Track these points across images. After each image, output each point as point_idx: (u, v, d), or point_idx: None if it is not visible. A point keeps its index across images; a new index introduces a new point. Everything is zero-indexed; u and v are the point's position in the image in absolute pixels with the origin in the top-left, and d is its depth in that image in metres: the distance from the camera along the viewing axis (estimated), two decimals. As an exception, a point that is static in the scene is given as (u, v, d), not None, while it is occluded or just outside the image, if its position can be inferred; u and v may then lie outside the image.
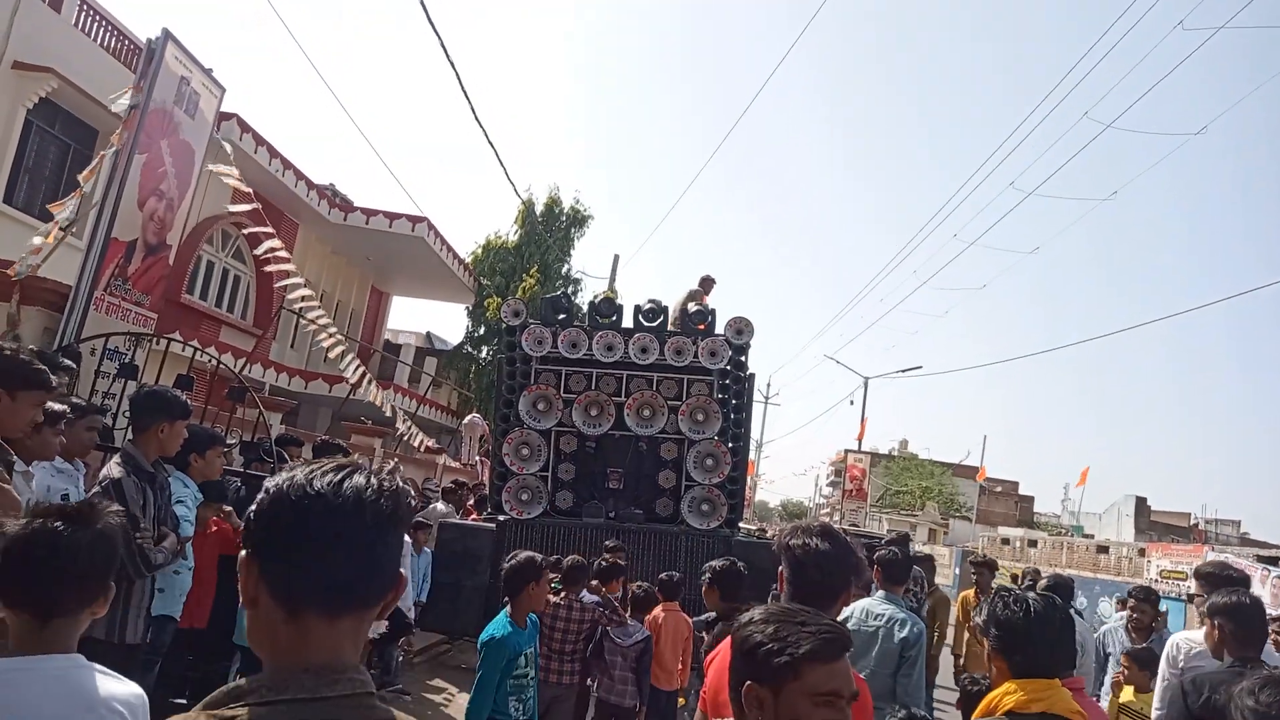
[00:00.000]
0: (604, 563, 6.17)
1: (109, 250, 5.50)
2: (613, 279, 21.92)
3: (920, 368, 45.56)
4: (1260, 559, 14.56)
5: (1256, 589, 13.55)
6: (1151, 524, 36.35)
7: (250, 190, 6.90)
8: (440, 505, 9.42)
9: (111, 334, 5.35)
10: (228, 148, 6.78)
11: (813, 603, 2.07)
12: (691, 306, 10.02)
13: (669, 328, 9.68)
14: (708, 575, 4.78)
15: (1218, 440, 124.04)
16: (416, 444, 13.86)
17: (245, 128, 14.72)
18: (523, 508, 8.92)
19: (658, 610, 5.86)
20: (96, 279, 5.42)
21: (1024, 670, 2.11)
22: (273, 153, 15.78)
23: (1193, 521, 41.31)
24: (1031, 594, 2.21)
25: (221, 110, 7.14)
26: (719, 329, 9.61)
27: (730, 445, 9.23)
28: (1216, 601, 3.21)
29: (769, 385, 43.76)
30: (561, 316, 9.72)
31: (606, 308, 9.88)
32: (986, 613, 2.26)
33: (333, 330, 9.95)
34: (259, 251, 7.60)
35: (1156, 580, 15.87)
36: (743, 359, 9.53)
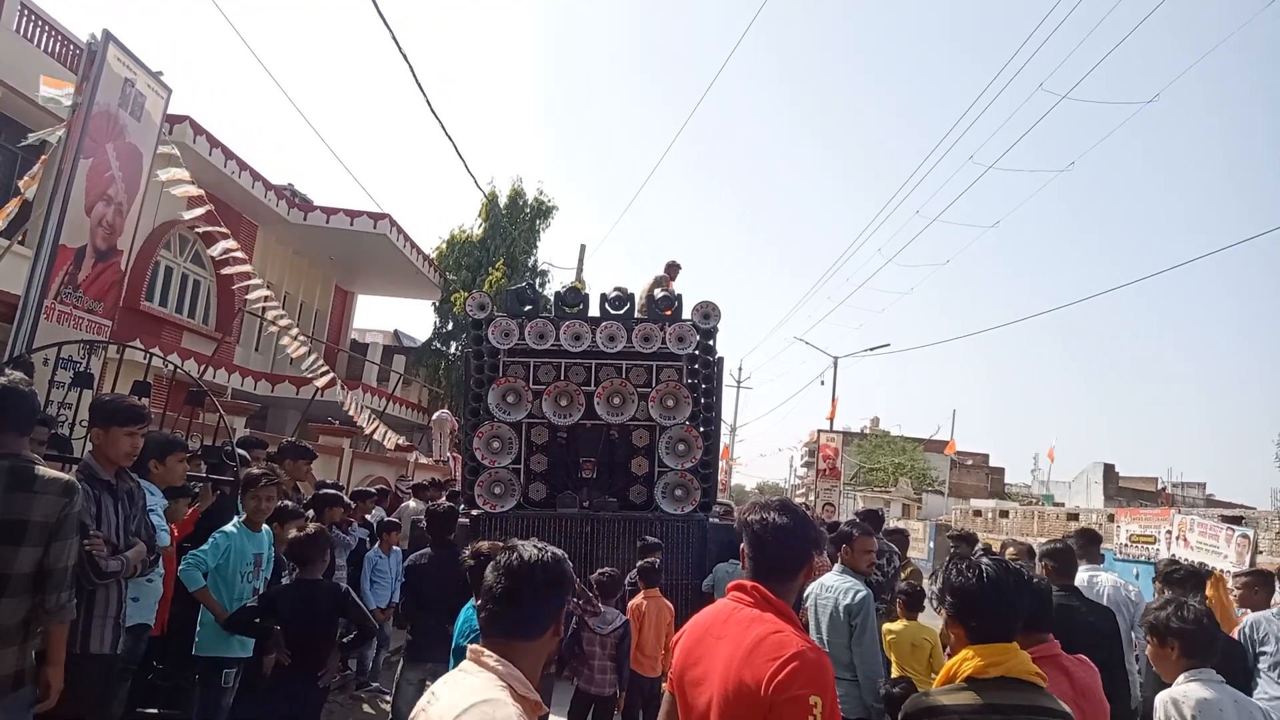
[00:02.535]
0: (649, 564, 6.13)
1: (57, 257, 5.37)
2: (580, 269, 21.86)
3: (888, 345, 46.04)
4: (1224, 519, 14.91)
5: (1222, 547, 13.91)
6: (1120, 490, 37.06)
7: (203, 193, 6.77)
8: (412, 503, 9.36)
9: (64, 343, 5.24)
10: (176, 152, 6.65)
11: (773, 577, 2.09)
12: (658, 293, 10.04)
13: (636, 315, 9.69)
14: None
15: (1182, 405, 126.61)
16: (386, 442, 13.76)
17: (199, 130, 14.48)
18: (496, 501, 8.90)
19: (639, 598, 5.89)
20: (46, 287, 5.30)
21: (981, 635, 2.14)
22: (228, 154, 15.54)
23: (1160, 486, 42.13)
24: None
25: (174, 113, 7.02)
26: (686, 314, 9.64)
27: (701, 430, 9.27)
28: None
29: (740, 369, 44.01)
30: (528, 308, 9.69)
31: (572, 297, 9.87)
32: (941, 580, 2.30)
33: (294, 331, 9.83)
34: (215, 253, 7.47)
35: (1126, 544, 16.21)
36: (711, 343, 9.56)
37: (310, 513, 5.77)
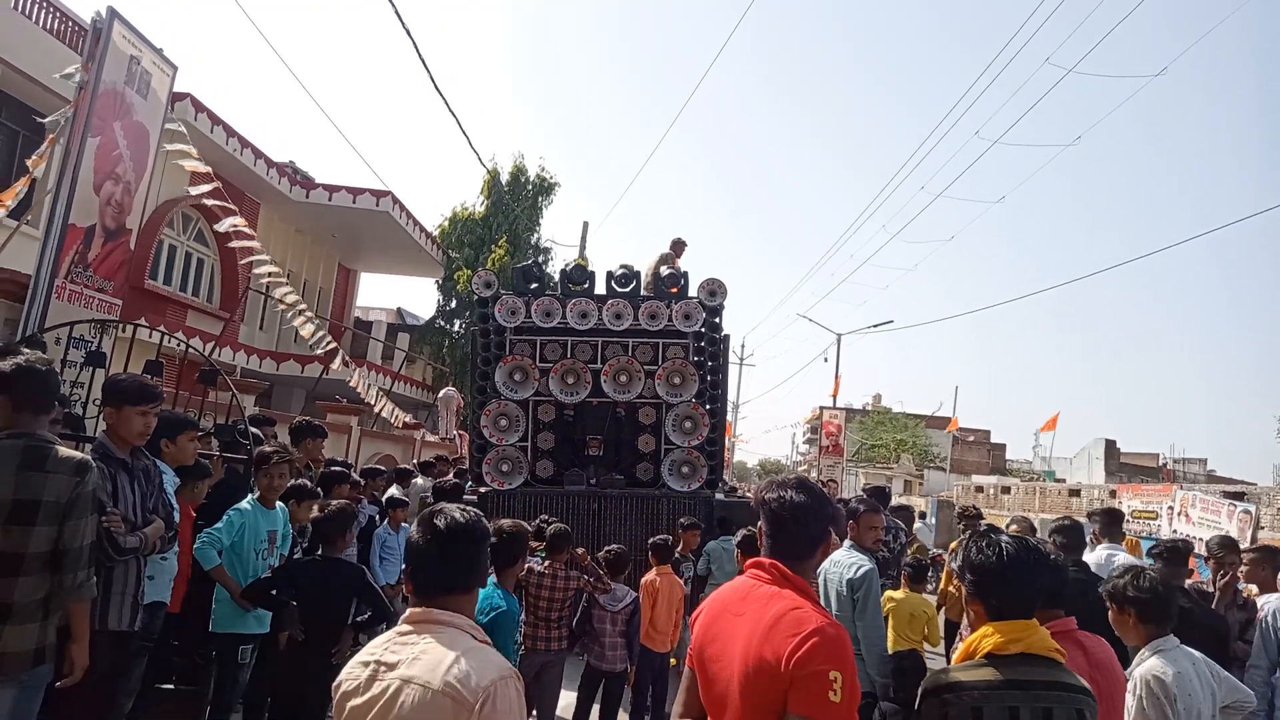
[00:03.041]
0: (662, 540, 6.16)
1: (67, 237, 5.37)
2: (583, 246, 21.79)
3: (891, 322, 46.03)
4: (1226, 495, 14.95)
5: (1223, 523, 13.95)
6: (1121, 466, 37.14)
7: (209, 169, 6.74)
8: (420, 479, 9.39)
9: (76, 322, 5.24)
10: (183, 128, 6.61)
11: (791, 555, 2.10)
12: (663, 270, 10.01)
13: (642, 292, 9.68)
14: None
15: (1184, 382, 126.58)
16: (394, 420, 13.80)
17: (200, 107, 14.40)
18: (503, 479, 8.94)
19: (652, 574, 5.92)
20: (56, 267, 5.30)
21: (1001, 612, 2.15)
22: (230, 132, 15.46)
23: (1161, 461, 42.23)
24: (1004, 536, 2.25)
25: (175, 90, 6.96)
26: (692, 291, 9.62)
27: (708, 407, 9.29)
28: None
29: (743, 346, 44.03)
30: (534, 286, 9.69)
31: (579, 275, 9.86)
32: (961, 557, 2.31)
33: (302, 306, 9.83)
34: (221, 228, 7.44)
35: (1128, 520, 16.27)
36: (717, 320, 9.55)
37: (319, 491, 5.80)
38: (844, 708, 1.87)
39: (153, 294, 14.83)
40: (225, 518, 4.52)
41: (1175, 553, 5.15)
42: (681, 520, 6.64)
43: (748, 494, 14.99)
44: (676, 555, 6.05)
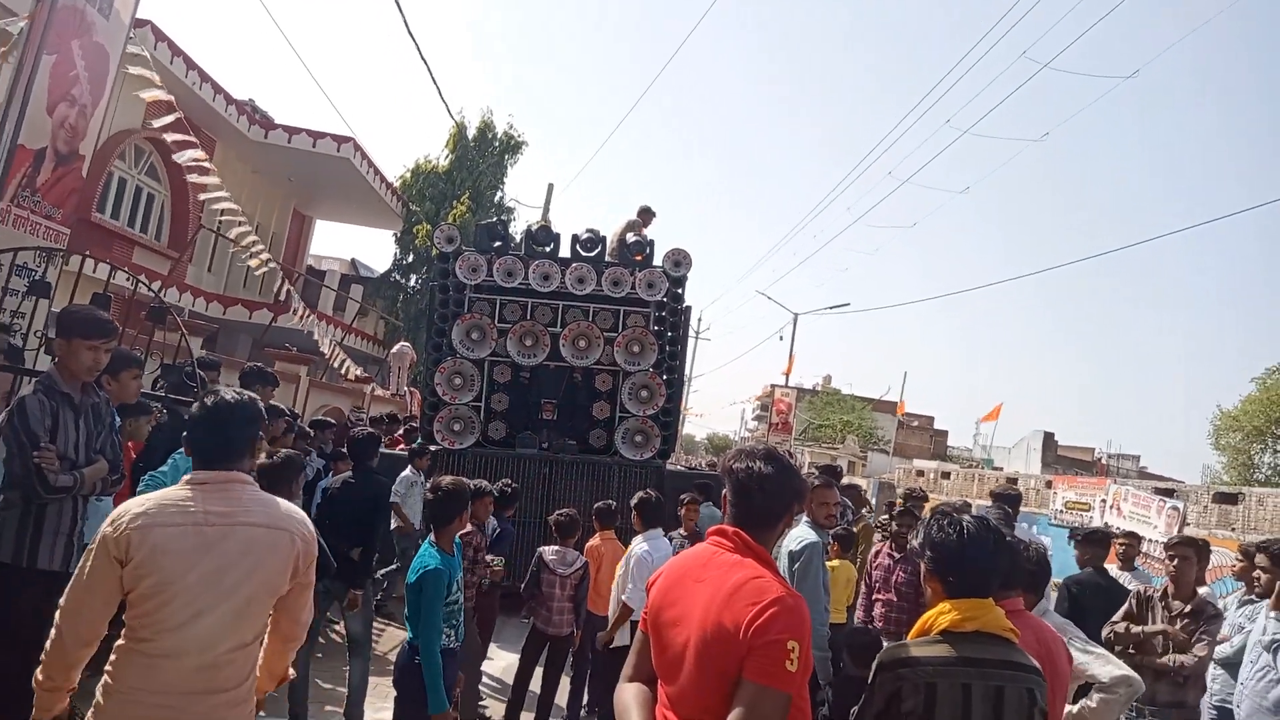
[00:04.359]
0: (605, 505, 6.13)
1: (15, 158, 5.09)
2: (546, 209, 21.54)
3: (848, 304, 46.48)
4: (1157, 491, 15.47)
5: (1153, 518, 14.46)
6: (1058, 458, 38.24)
7: (173, 98, 6.45)
8: (408, 472, 8.98)
9: (21, 249, 5.01)
10: (146, 53, 6.30)
11: (755, 524, 2.10)
12: (630, 237, 9.95)
13: (607, 258, 9.61)
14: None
15: (1122, 380, 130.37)
16: (344, 372, 13.57)
17: (161, 36, 13.85)
18: (455, 438, 8.87)
19: (596, 539, 5.93)
20: (2, 189, 5.04)
21: (958, 590, 2.18)
22: (190, 64, 14.90)
23: (1096, 456, 43.53)
24: (966, 516, 2.27)
25: (137, 16, 6.65)
26: (657, 261, 9.58)
27: (665, 377, 9.29)
28: None
29: (699, 320, 44.11)
30: (497, 244, 9.56)
31: (543, 236, 9.74)
32: (922, 535, 2.33)
33: (260, 248, 9.54)
34: (181, 159, 7.14)
35: (1061, 510, 16.76)
36: (680, 291, 9.54)
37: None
38: (799, 676, 1.89)
39: (100, 227, 14.30)
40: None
41: (1093, 538, 5.71)
42: (683, 496, 6.64)
43: (699, 466, 15.13)
44: (674, 533, 6.06)
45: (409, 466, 8.39)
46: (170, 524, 2.13)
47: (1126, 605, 4.51)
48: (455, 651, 3.90)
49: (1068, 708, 3.10)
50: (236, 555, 2.16)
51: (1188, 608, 4.33)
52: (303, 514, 2.41)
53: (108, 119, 8.28)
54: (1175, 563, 4.48)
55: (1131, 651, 4.29)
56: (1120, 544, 6.34)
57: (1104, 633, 4.42)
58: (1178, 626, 4.28)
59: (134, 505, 2.18)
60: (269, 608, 2.29)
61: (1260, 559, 4.48)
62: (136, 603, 2.13)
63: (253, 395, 2.43)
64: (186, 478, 2.27)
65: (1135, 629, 4.35)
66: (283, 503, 2.36)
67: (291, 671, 2.61)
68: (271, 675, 2.49)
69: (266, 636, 2.39)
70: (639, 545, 5.27)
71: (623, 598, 5.19)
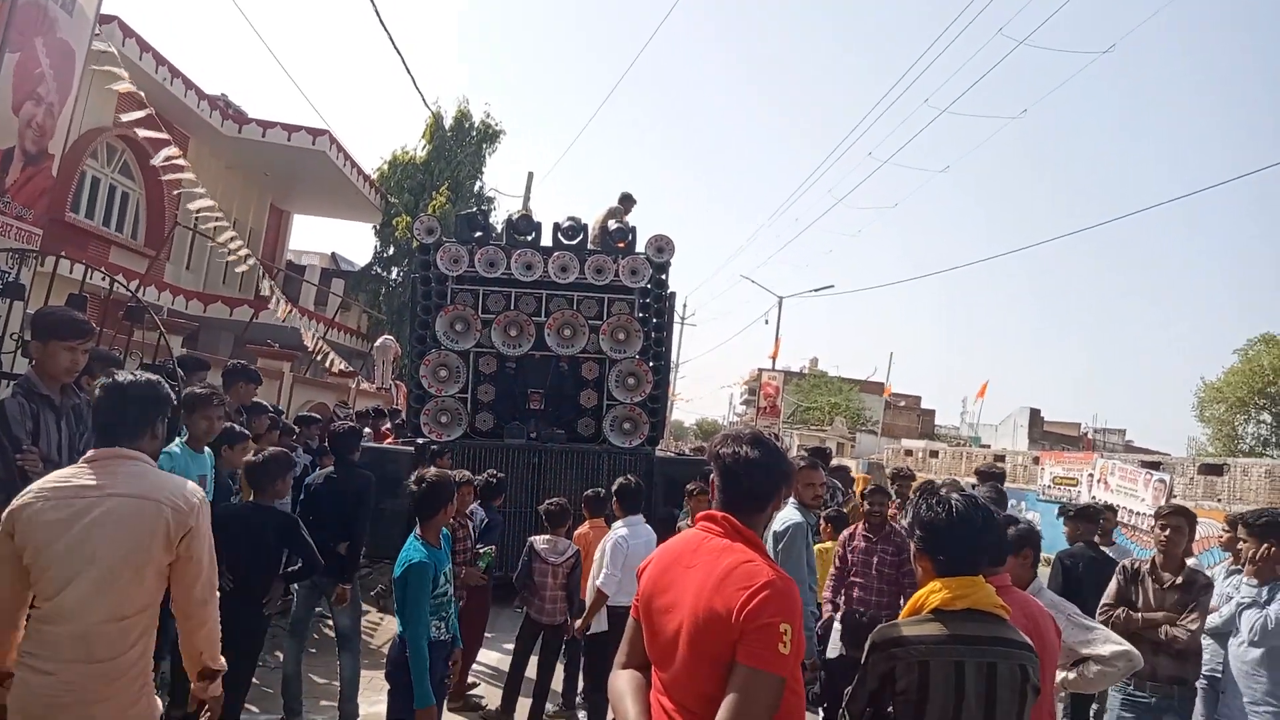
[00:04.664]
0: (594, 493, 6.11)
1: (-18, 159, 5.02)
2: (527, 197, 21.43)
3: (832, 286, 46.62)
4: (1144, 464, 15.63)
5: (1140, 491, 14.60)
6: (1045, 434, 38.50)
7: (143, 94, 6.34)
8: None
9: (-9, 250, 4.94)
10: (113, 50, 6.18)
11: (743, 508, 2.09)
12: (611, 224, 9.91)
13: (589, 246, 9.57)
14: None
15: (1107, 355, 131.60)
16: (329, 366, 13.48)
17: (128, 32, 13.60)
18: (442, 430, 8.83)
19: (585, 527, 5.93)
20: (-31, 191, 4.96)
21: (948, 569, 2.18)
22: (159, 59, 14.66)
23: (1082, 431, 43.88)
24: (954, 494, 2.27)
25: (103, 13, 6.51)
26: (639, 247, 9.55)
27: (651, 364, 9.28)
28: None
29: (685, 306, 44.17)
30: (478, 234, 9.50)
31: (525, 225, 9.69)
32: (911, 514, 2.33)
33: (237, 244, 9.44)
34: (157, 161, 7.03)
35: (1049, 486, 16.91)
36: (663, 277, 9.52)
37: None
38: (792, 659, 1.89)
39: (74, 227, 14.09)
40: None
41: (1085, 514, 5.81)
42: (689, 486, 6.61)
43: (685, 451, 15.16)
44: (683, 524, 6.06)
45: (431, 468, 8.17)
46: (48, 498, 2.26)
47: (1115, 581, 4.45)
48: (446, 644, 3.88)
49: (1064, 674, 3.14)
50: (99, 524, 2.25)
51: (1179, 579, 4.25)
52: (189, 487, 2.44)
53: (77, 117, 8.15)
54: (1167, 533, 4.37)
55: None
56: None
57: (1098, 615, 4.28)
58: (1170, 600, 4.20)
59: (32, 485, 2.35)
60: (145, 580, 2.33)
61: (1241, 530, 4.47)
62: (31, 574, 2.26)
63: (152, 377, 2.52)
64: (84, 457, 2.39)
65: (1135, 616, 4.23)
66: (165, 476, 2.43)
67: (213, 663, 2.61)
68: (189, 658, 2.57)
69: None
70: (616, 531, 5.27)
71: (596, 583, 5.15)
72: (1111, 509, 6.84)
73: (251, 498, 4.51)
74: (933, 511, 2.23)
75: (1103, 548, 5.85)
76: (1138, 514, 14.60)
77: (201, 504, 2.42)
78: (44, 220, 5.83)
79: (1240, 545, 4.49)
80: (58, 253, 6.06)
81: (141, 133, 6.49)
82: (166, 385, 2.52)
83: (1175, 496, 13.83)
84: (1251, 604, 4.06)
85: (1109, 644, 3.18)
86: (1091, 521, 5.77)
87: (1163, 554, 4.39)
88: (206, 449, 4.63)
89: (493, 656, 6.72)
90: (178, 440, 4.48)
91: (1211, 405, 33.35)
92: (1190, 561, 4.71)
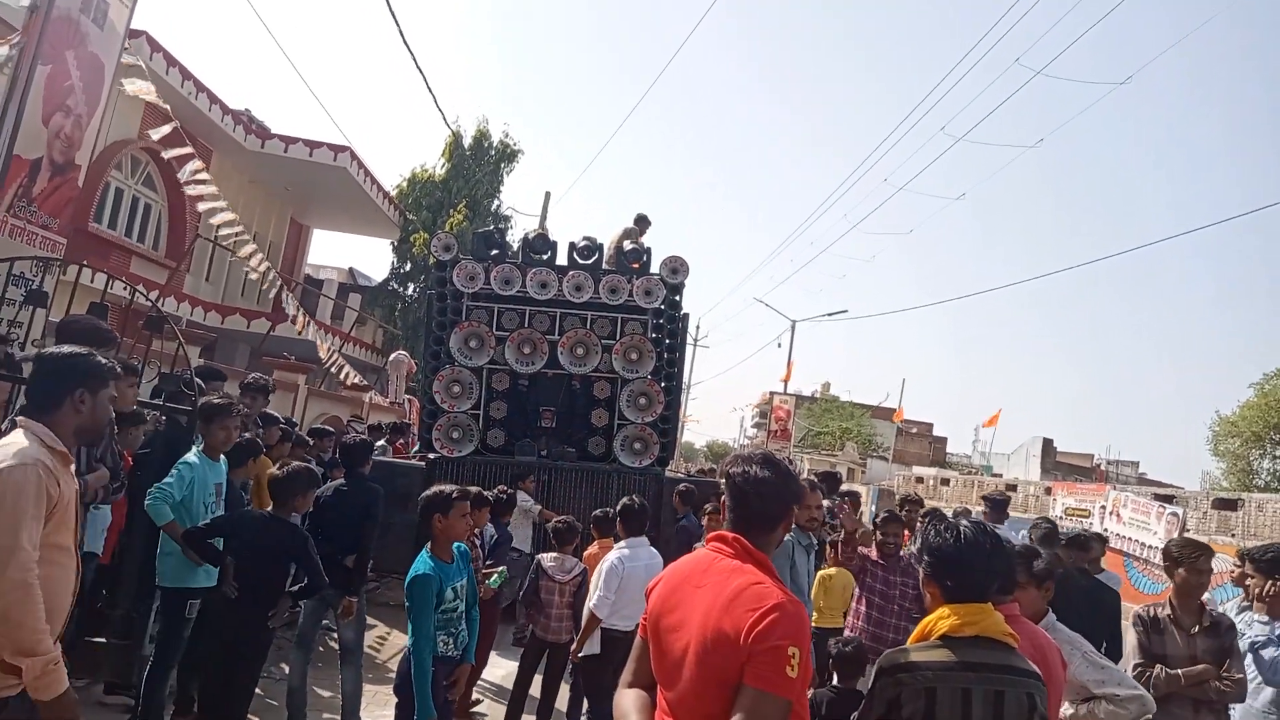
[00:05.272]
0: (602, 513, 6.09)
1: (11, 168, 5.10)
2: (544, 217, 21.55)
3: (846, 311, 46.52)
4: (1157, 497, 15.46)
5: (1152, 524, 14.45)
6: (1057, 464, 38.11)
7: (169, 108, 6.47)
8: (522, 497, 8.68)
9: (17, 258, 5.00)
10: (140, 63, 6.30)
11: (753, 529, 2.09)
12: (626, 245, 9.96)
13: (604, 266, 9.62)
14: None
15: (1120, 386, 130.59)
16: (344, 379, 13.56)
17: (156, 47, 13.85)
18: (453, 446, 8.86)
19: (594, 546, 5.91)
20: (-2, 199, 5.05)
21: (956, 595, 2.17)
22: (185, 74, 14.91)
23: (1095, 462, 43.43)
24: (963, 521, 2.27)
25: (132, 27, 6.63)
26: (654, 268, 9.59)
27: (663, 385, 9.29)
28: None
29: (698, 327, 44.16)
30: (494, 252, 9.57)
31: (540, 244, 9.76)
32: (920, 541, 2.33)
33: (259, 258, 9.54)
34: (183, 176, 7.13)
35: (1061, 517, 16.74)
36: (677, 298, 9.55)
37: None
38: (799, 682, 1.88)
39: (96, 237, 14.29)
40: (175, 472, 4.38)
41: (1075, 542, 5.79)
42: (706, 505, 6.59)
43: (691, 472, 15.13)
44: (697, 544, 6.04)
45: (519, 491, 8.09)
46: None
47: (1135, 634, 4.01)
48: (455, 660, 3.88)
49: (1072, 710, 3.10)
50: None
51: (1206, 623, 3.89)
52: (17, 456, 2.28)
53: (104, 129, 8.29)
54: (1196, 576, 3.96)
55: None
56: None
57: (1133, 674, 3.82)
58: (1200, 649, 3.83)
59: None
60: None
61: (1247, 567, 4.31)
62: None
63: (76, 350, 2.55)
64: None
65: (1177, 674, 3.79)
66: (18, 448, 2.31)
67: (26, 663, 2.23)
68: None
69: None
70: (613, 553, 5.16)
71: (589, 605, 5.07)
72: (1101, 539, 6.80)
73: (269, 508, 4.53)
74: (941, 537, 2.22)
75: (1097, 576, 5.83)
76: (1150, 547, 14.44)
77: (6, 470, 2.24)
78: (68, 230, 5.92)
79: (1249, 581, 4.40)
80: (80, 262, 6.16)
81: (168, 153, 6.59)
82: (96, 358, 2.52)
83: (1188, 531, 13.65)
84: (1266, 643, 3.96)
85: (1123, 687, 3.12)
86: (1082, 549, 5.78)
87: (1186, 597, 3.99)
88: (221, 456, 4.67)
89: (497, 674, 6.71)
90: (195, 449, 4.53)
91: (1226, 439, 32.99)
92: (1203, 597, 4.56)
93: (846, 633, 5.41)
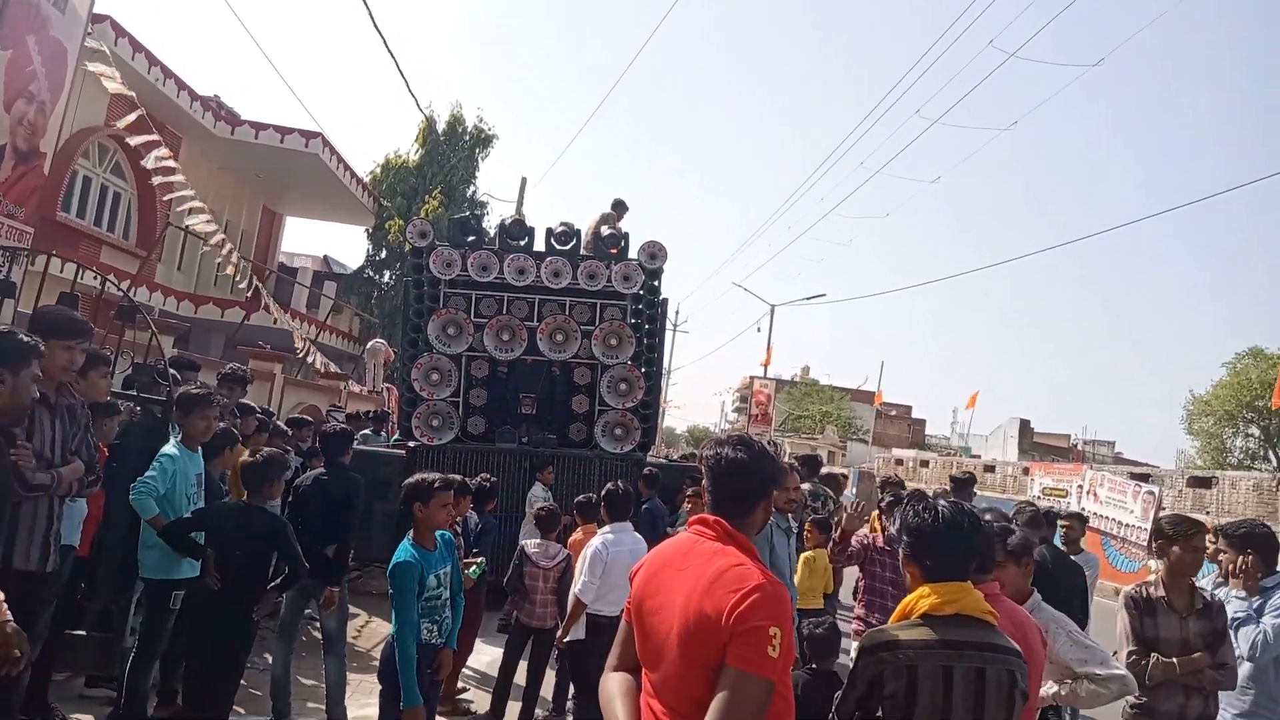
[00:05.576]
0: (586, 498, 6.08)
1: (-27, 157, 5.00)
2: (520, 203, 21.44)
3: (824, 295, 46.53)
4: (1133, 476, 15.71)
5: (1129, 503, 14.68)
6: (1034, 445, 38.63)
7: (134, 94, 6.34)
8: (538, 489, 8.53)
9: (-19, 249, 4.92)
10: (105, 49, 6.18)
11: (733, 511, 2.10)
12: (604, 230, 9.93)
13: (582, 251, 9.58)
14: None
15: (1096, 366, 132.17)
16: (319, 367, 13.45)
17: (121, 32, 13.58)
18: (433, 434, 8.82)
19: (578, 533, 5.91)
20: (-40, 189, 4.94)
21: (936, 574, 2.20)
22: (152, 60, 14.65)
23: (1072, 442, 44.02)
24: (941, 500, 2.29)
25: (95, 12, 6.49)
26: (632, 254, 9.57)
27: (643, 370, 9.29)
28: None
29: (677, 313, 44.18)
30: (471, 239, 9.50)
31: (517, 230, 9.70)
32: (899, 521, 2.35)
33: (228, 248, 9.43)
34: (149, 164, 7.01)
35: (1039, 497, 16.97)
36: (656, 283, 9.53)
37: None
38: (781, 662, 1.89)
39: (65, 226, 14.04)
40: (158, 464, 4.32)
41: (1034, 521, 5.38)
42: (686, 490, 6.60)
43: (673, 458, 15.18)
44: (680, 528, 6.05)
45: (537, 483, 8.19)
46: None
47: (1126, 616, 3.89)
48: (438, 647, 3.88)
49: (1055, 688, 3.14)
50: None
51: (1199, 605, 3.75)
52: None
53: (69, 116, 8.14)
54: (1192, 554, 3.80)
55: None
56: (1064, 525, 6.37)
57: (1125, 662, 3.71)
58: (1193, 632, 3.71)
59: None
60: None
61: (1221, 542, 4.26)
62: None
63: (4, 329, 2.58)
64: None
65: (1172, 664, 3.67)
66: None
67: None
68: None
69: None
70: (598, 538, 5.15)
71: (574, 591, 5.07)
72: (1080, 518, 6.76)
73: (244, 498, 4.50)
74: (920, 517, 2.25)
75: (1073, 558, 5.80)
76: (1127, 526, 14.67)
77: None
78: (35, 219, 5.82)
79: (1221, 557, 4.42)
80: (49, 251, 6.05)
81: (134, 139, 6.46)
82: (18, 336, 2.53)
83: (1164, 509, 13.89)
84: (1246, 619, 3.94)
85: (1106, 666, 3.13)
86: (1041, 528, 5.50)
87: (1179, 576, 3.83)
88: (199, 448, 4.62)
89: (482, 661, 6.71)
90: (173, 440, 4.48)
91: (1200, 418, 33.55)
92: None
93: (853, 624, 5.43)
